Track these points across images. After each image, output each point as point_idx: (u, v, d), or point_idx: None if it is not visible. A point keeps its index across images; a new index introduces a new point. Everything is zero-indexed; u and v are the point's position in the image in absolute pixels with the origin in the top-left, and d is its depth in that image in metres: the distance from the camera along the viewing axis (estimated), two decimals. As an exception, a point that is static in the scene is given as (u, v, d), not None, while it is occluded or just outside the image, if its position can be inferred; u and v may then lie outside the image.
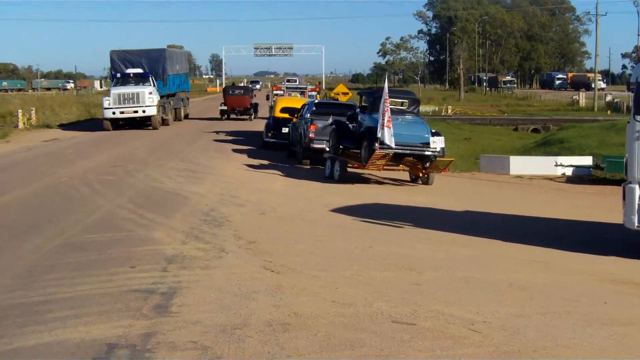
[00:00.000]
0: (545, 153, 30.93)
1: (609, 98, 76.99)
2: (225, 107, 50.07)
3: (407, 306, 8.76)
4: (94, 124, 41.59)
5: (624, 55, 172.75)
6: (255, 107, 50.81)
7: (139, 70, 41.43)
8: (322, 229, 14.53)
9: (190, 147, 30.87)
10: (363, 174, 23.93)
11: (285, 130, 30.17)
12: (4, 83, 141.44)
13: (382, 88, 20.80)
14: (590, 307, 9.20)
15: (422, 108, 41.40)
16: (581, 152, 28.69)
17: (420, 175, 22.48)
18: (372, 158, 20.73)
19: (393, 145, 20.17)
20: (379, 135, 20.08)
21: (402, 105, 22.76)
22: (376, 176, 24.00)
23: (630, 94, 13.21)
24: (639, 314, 9.10)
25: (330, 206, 17.16)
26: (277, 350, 7.17)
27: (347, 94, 44.92)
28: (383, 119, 19.99)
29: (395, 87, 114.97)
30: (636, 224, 12.32)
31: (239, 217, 15.31)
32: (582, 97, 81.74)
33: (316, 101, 30.89)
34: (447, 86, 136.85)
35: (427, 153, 21.21)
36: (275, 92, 44.71)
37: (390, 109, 20.29)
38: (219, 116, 50.15)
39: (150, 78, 40.38)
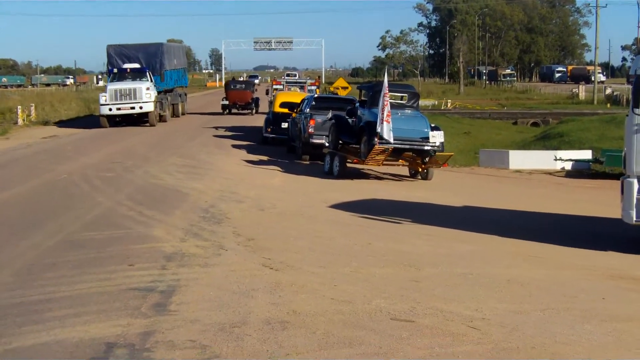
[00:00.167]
0: (544, 147, 30.88)
1: (608, 91, 76.90)
2: (227, 102, 50.52)
3: (406, 303, 8.76)
4: (91, 120, 41.36)
5: (624, 48, 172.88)
6: (256, 101, 51.21)
7: (136, 65, 40.86)
8: (321, 225, 14.53)
9: (189, 143, 30.87)
10: (362, 169, 23.92)
11: (284, 125, 30.13)
12: (4, 79, 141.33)
13: (382, 82, 20.77)
14: (589, 303, 9.21)
15: (422, 102, 41.41)
16: (581, 146, 28.64)
17: (420, 170, 22.46)
18: (372, 153, 20.71)
19: (392, 140, 20.17)
20: (378, 130, 20.07)
21: (401, 99, 22.76)
22: (375, 171, 23.98)
23: (630, 86, 13.18)
24: (638, 310, 9.09)
25: (329, 202, 17.15)
26: (276, 348, 7.17)
27: (347, 88, 44.78)
28: (382, 114, 19.97)
29: (394, 80, 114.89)
30: (634, 219, 12.30)
31: (238, 213, 15.31)
32: (581, 90, 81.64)
33: (316, 96, 30.85)
34: (447, 80, 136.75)
35: (426, 148, 21.20)
36: (274, 86, 44.62)
37: (390, 103, 20.27)
38: (221, 111, 50.50)
39: (147, 73, 39.86)
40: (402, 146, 20.90)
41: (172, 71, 45.96)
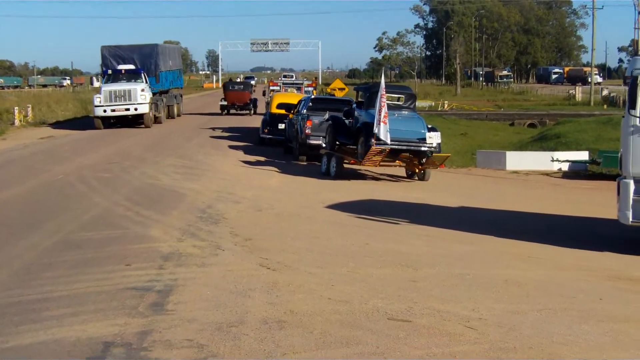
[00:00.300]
0: (541, 148, 30.92)
1: (605, 92, 77.01)
2: (225, 103, 50.93)
3: (403, 303, 8.77)
4: (88, 121, 40.99)
5: (620, 49, 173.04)
6: (254, 102, 51.68)
7: (131, 67, 40.44)
8: (319, 226, 14.54)
9: (186, 144, 30.86)
10: (359, 170, 23.92)
11: (281, 126, 30.13)
12: (0, 80, 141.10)
13: (379, 83, 20.80)
14: (587, 304, 9.22)
15: (419, 103, 41.47)
16: (577, 147, 28.66)
17: (417, 171, 22.48)
18: (369, 154, 20.73)
19: (389, 141, 20.18)
20: (375, 131, 20.08)
21: (398, 101, 22.77)
22: (372, 172, 23.99)
23: (626, 88, 13.22)
24: (635, 311, 9.10)
25: (326, 202, 17.16)
26: (273, 348, 7.18)
27: (344, 89, 44.77)
28: (379, 115, 19.98)
29: (391, 82, 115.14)
30: (630, 219, 12.33)
31: (235, 214, 15.32)
32: (578, 92, 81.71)
33: (312, 97, 30.86)
34: (444, 81, 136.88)
35: (423, 149, 21.21)
36: (271, 87, 44.66)
37: (387, 104, 20.29)
38: (219, 111, 50.81)
39: (142, 74, 39.45)
40: (399, 147, 20.92)
41: (168, 72, 45.58)
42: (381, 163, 21.75)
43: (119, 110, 37.63)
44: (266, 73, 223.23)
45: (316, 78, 75.67)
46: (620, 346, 7.62)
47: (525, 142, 36.01)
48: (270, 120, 31.51)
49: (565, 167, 25.42)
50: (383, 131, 19.98)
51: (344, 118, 23.21)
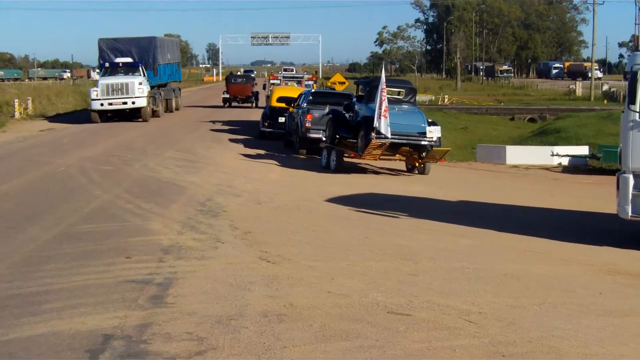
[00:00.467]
0: (541, 143, 30.94)
1: (605, 87, 76.96)
2: (227, 95, 51.38)
3: (403, 297, 8.77)
4: (86, 115, 40.67)
5: (621, 45, 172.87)
6: (256, 95, 51.98)
7: (129, 60, 39.80)
8: (319, 219, 14.55)
9: (187, 137, 30.84)
10: (359, 163, 23.92)
11: (281, 119, 30.15)
12: (0, 72, 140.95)
13: (379, 77, 20.80)
14: (586, 298, 9.23)
15: (419, 97, 41.49)
16: (578, 142, 28.68)
17: (417, 165, 22.49)
18: (369, 148, 20.72)
19: (389, 135, 20.18)
20: (376, 124, 20.07)
21: (398, 95, 22.77)
22: (373, 166, 24.00)
23: (626, 83, 13.22)
24: (634, 305, 9.11)
25: (326, 196, 17.16)
26: (273, 341, 7.18)
27: (344, 83, 44.74)
28: (380, 109, 19.98)
29: (392, 76, 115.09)
30: (630, 214, 12.34)
31: (235, 207, 15.31)
32: (578, 87, 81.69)
33: (313, 90, 30.83)
34: (444, 75, 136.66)
35: (423, 143, 21.21)
36: (272, 81, 44.64)
37: (387, 98, 20.28)
38: (222, 104, 51.25)
39: (140, 68, 38.82)
40: (399, 141, 20.93)
41: (166, 65, 45.09)
42: (381, 157, 21.77)
43: (117, 104, 37.04)
44: (266, 67, 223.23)
45: (316, 72, 75.63)
46: (620, 340, 7.63)
47: (526, 137, 36.03)
48: (271, 113, 31.51)
49: (565, 161, 25.44)
50: (383, 125, 19.97)
51: (344, 112, 23.19)
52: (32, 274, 9.58)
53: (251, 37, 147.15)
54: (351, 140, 22.54)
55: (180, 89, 50.42)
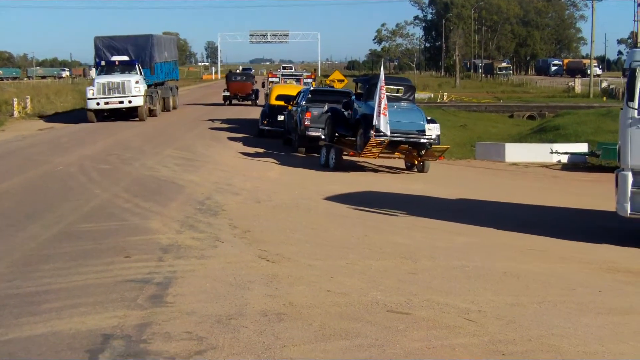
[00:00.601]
0: (540, 140, 30.96)
1: (604, 84, 77.02)
2: (227, 93, 52.01)
3: (403, 295, 8.76)
4: (84, 114, 40.54)
5: (619, 42, 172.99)
6: (256, 93, 52.54)
7: (125, 58, 39.40)
8: (318, 218, 14.55)
9: (185, 136, 30.83)
10: (358, 161, 23.91)
11: (280, 117, 30.14)
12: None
13: (378, 75, 20.81)
14: (586, 296, 9.22)
15: (418, 95, 41.41)
16: (577, 139, 28.70)
17: (416, 163, 22.49)
18: (368, 146, 20.72)
19: (388, 133, 20.18)
20: (375, 122, 20.08)
21: (397, 92, 22.78)
22: (372, 164, 23.99)
23: (625, 80, 13.22)
24: (634, 303, 9.10)
25: (325, 194, 17.16)
26: (272, 340, 7.17)
27: (343, 81, 44.72)
28: (379, 107, 19.98)
29: (391, 73, 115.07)
30: (629, 211, 12.34)
31: (234, 205, 15.31)
32: (577, 84, 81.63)
33: (312, 88, 30.84)
34: (443, 73, 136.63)
35: (422, 140, 21.22)
36: (270, 79, 44.63)
37: (386, 96, 20.28)
38: (222, 102, 51.92)
39: (136, 66, 38.47)
40: (399, 139, 20.94)
41: (163, 64, 44.68)
42: (380, 155, 21.76)
43: (113, 103, 36.70)
44: (265, 65, 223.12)
45: (315, 70, 75.61)
46: (620, 338, 7.62)
47: (525, 134, 36.04)
48: (270, 111, 31.50)
49: (564, 159, 25.46)
50: (383, 123, 19.97)
51: (343, 110, 23.19)
52: (31, 273, 9.58)
53: (250, 35, 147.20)
54: (350, 138, 22.55)
55: (177, 88, 50.07)
